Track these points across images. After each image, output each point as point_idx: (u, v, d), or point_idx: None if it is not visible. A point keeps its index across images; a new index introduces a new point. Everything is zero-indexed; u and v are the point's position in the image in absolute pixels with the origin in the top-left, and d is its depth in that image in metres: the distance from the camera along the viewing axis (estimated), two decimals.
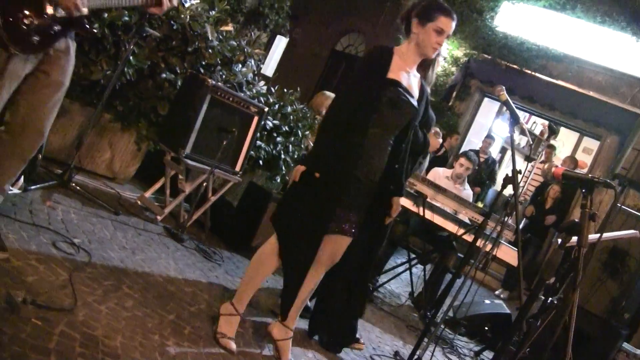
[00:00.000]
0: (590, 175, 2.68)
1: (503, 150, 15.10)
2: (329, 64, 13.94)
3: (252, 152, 6.40)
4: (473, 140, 12.55)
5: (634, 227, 6.15)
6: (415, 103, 3.77)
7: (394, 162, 3.87)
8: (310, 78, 13.76)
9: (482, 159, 11.65)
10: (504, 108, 12.88)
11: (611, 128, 10.89)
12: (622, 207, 6.38)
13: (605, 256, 6.08)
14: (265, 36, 10.06)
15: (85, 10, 3.25)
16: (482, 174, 11.45)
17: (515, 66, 11.66)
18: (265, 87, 6.46)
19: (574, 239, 4.54)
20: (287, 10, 9.92)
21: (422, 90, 3.86)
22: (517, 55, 11.63)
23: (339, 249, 3.88)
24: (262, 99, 6.51)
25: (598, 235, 4.25)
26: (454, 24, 3.66)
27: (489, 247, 6.56)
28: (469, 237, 6.70)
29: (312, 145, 3.75)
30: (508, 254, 6.96)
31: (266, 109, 5.79)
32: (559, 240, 4.53)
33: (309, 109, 7.62)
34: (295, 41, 14.40)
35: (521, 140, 15.35)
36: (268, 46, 15.72)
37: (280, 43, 15.47)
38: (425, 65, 3.86)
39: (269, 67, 15.22)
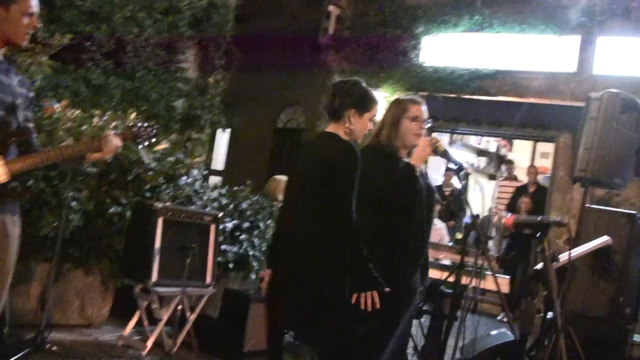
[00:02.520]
0: (539, 218, 2.66)
1: (465, 177, 15.14)
2: (275, 143, 14.00)
3: (219, 259, 6.32)
4: (434, 177, 12.57)
5: (607, 223, 6.16)
6: None
7: None
8: (260, 161, 13.80)
9: (447, 192, 11.69)
10: (454, 136, 13.08)
11: (561, 127, 11.03)
12: (592, 206, 6.38)
13: (589, 259, 6.04)
14: (205, 136, 10.08)
15: (4, 178, 3.15)
16: (451, 206, 11.46)
17: (452, 95, 11.81)
18: (214, 193, 6.42)
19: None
20: (218, 106, 9.98)
21: None
22: (451, 84, 11.81)
23: None
24: (214, 204, 6.47)
25: (567, 255, 4.22)
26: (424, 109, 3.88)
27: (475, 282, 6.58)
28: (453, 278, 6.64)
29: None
30: (499, 282, 6.92)
31: (220, 214, 5.77)
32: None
33: (264, 196, 7.59)
34: (237, 130, 14.45)
35: (480, 162, 15.43)
36: (212, 142, 15.79)
37: (223, 136, 15.54)
38: None
39: (218, 162, 15.25)
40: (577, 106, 10.59)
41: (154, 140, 3.98)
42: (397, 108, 4.06)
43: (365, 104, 3.68)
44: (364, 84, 3.75)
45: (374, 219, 3.88)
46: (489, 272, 6.84)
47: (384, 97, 12.30)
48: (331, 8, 12.80)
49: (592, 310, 6.08)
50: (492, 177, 15.63)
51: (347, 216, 3.42)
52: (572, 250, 4.38)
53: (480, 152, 15.42)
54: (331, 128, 3.69)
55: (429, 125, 4.24)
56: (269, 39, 14.10)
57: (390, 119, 4.04)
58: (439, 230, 7.82)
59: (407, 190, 3.91)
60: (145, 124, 3.93)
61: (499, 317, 10.42)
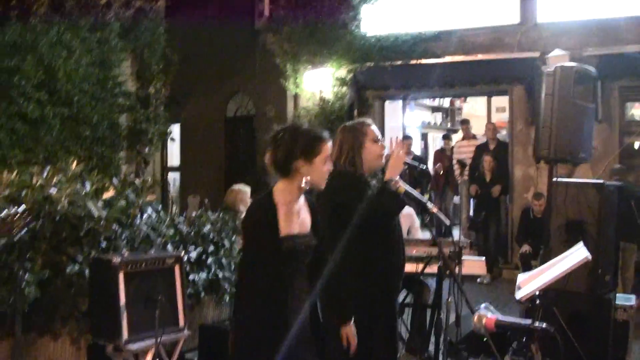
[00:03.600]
0: (524, 322, 2.47)
1: (424, 137, 15.06)
2: (228, 133, 13.70)
3: (189, 290, 6.12)
4: None
5: (575, 195, 6.06)
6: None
7: None
8: (215, 153, 13.54)
9: (406, 161, 11.54)
10: (407, 100, 12.91)
11: (512, 80, 10.91)
12: (559, 180, 6.25)
13: (564, 235, 5.96)
14: (154, 148, 9.76)
15: None
16: (415, 175, 11.32)
17: (399, 62, 11.57)
18: (172, 230, 6.15)
19: (532, 288, 4.43)
20: (163, 115, 9.64)
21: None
22: (396, 51, 11.56)
23: None
24: (176, 237, 6.23)
25: (549, 280, 4.09)
26: (330, 144, 3.46)
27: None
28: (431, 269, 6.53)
29: None
30: (473, 266, 6.85)
31: (182, 254, 5.54)
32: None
33: (225, 209, 7.36)
34: (187, 124, 14.11)
35: (436, 118, 15.35)
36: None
37: (175, 130, 15.17)
38: None
39: (173, 157, 14.93)
40: (525, 58, 10.56)
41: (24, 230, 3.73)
42: (355, 134, 4.06)
43: (312, 148, 3.34)
44: (304, 127, 3.48)
45: (356, 245, 3.89)
46: (465, 258, 6.80)
47: (330, 74, 12.05)
48: None
49: (573, 285, 6.00)
50: (450, 131, 15.58)
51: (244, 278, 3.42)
52: (545, 276, 4.26)
53: (435, 109, 15.35)
54: (280, 184, 3.41)
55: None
56: (205, 29, 13.68)
57: (350, 145, 4.03)
58: (409, 215, 7.64)
59: (386, 213, 3.98)
60: (20, 210, 3.66)
61: (478, 280, 10.41)
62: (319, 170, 3.36)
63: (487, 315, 2.58)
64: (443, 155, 12.93)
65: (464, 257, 6.68)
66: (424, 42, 11.42)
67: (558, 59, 9.24)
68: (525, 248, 9.40)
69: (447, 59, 11.32)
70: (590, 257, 4.21)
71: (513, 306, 7.45)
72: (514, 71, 10.72)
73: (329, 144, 3.41)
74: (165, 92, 9.83)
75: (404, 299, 7.30)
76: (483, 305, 7.10)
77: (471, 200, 11.68)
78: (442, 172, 12.44)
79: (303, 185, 3.33)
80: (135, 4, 9.20)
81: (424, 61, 11.46)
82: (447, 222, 3.85)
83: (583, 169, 9.87)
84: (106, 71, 8.88)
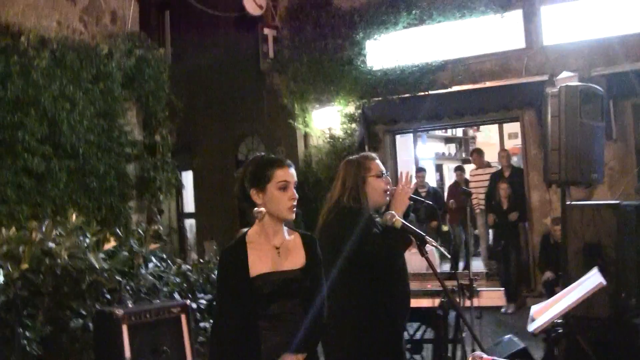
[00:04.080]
0: None
1: (439, 168, 14.91)
2: None
3: (200, 338, 5.97)
4: None
5: (591, 218, 5.85)
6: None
7: None
8: (228, 197, 13.43)
9: (423, 193, 11.39)
10: (418, 133, 12.79)
11: (523, 105, 10.73)
12: (572, 203, 6.05)
13: (582, 259, 5.74)
14: (164, 198, 9.69)
15: None
16: (431, 206, 11.15)
17: (407, 95, 11.47)
18: (178, 279, 6.03)
19: (545, 319, 4.24)
20: (171, 162, 9.57)
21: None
22: (403, 84, 11.45)
23: None
24: (184, 285, 6.10)
25: (563, 309, 3.91)
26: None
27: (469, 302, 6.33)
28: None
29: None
30: (493, 296, 6.63)
31: (188, 302, 5.40)
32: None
33: None
34: (199, 170, 14.10)
35: (450, 149, 15.21)
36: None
37: (187, 177, 15.15)
38: None
39: (188, 204, 14.89)
40: (534, 82, 10.41)
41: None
42: (358, 169, 3.94)
43: (261, 175, 3.19)
44: (258, 155, 3.35)
45: (358, 281, 3.82)
46: (481, 289, 6.60)
47: (337, 111, 11.98)
48: (266, 31, 12.40)
49: (596, 311, 5.78)
50: (464, 161, 15.43)
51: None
52: (559, 305, 4.07)
53: (448, 140, 15.23)
54: (255, 224, 3.30)
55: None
56: (211, 74, 13.75)
57: (353, 180, 3.91)
58: (431, 254, 7.46)
59: (391, 253, 3.85)
60: None
61: (502, 310, 10.14)
62: (275, 198, 3.17)
63: (483, 357, 2.40)
64: (457, 189, 12.67)
65: (482, 289, 6.54)
66: (431, 73, 11.31)
67: (566, 80, 9.08)
68: (548, 275, 9.18)
69: (455, 88, 11.19)
70: (604, 282, 4.01)
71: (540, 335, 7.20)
72: (523, 96, 10.55)
73: (287, 169, 3.22)
74: (172, 139, 9.75)
75: (423, 334, 7.09)
76: (507, 337, 6.87)
77: (490, 230, 11.49)
78: (454, 207, 12.12)
79: (255, 215, 3.19)
80: (138, 52, 9.17)
81: (432, 92, 11.33)
82: (449, 256, 3.70)
83: (601, 191, 9.66)
84: (111, 121, 8.84)
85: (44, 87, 7.99)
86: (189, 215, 14.70)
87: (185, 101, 12.54)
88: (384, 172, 4.01)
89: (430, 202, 3.88)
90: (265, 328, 3.18)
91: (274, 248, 3.25)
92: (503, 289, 6.77)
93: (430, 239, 3.46)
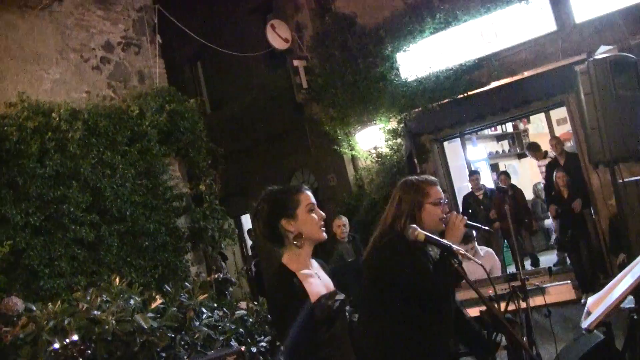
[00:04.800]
0: None
1: (494, 167, 14.51)
2: None
3: None
4: (463, 186, 11.98)
5: None
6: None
7: None
8: None
9: (480, 196, 11.07)
10: (465, 136, 12.49)
11: (565, 89, 10.26)
12: (626, 180, 5.74)
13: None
14: (215, 252, 9.66)
15: None
16: (489, 207, 10.85)
17: (446, 100, 11.24)
18: (230, 325, 5.93)
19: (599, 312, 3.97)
20: (220, 209, 9.56)
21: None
22: (441, 90, 11.20)
23: None
24: (240, 330, 6.00)
25: (618, 298, 3.64)
26: (309, 192, 3.26)
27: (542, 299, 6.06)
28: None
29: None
30: (561, 291, 6.32)
31: (243, 348, 5.29)
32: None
33: None
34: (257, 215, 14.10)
35: (503, 146, 14.81)
36: (240, 231, 15.49)
37: (246, 221, 15.25)
38: None
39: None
40: (572, 62, 10.00)
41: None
42: (416, 193, 3.77)
43: (287, 204, 3.17)
44: (272, 188, 3.28)
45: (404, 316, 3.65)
46: (546, 285, 6.30)
47: (380, 129, 11.83)
48: (296, 63, 12.39)
49: None
50: (520, 156, 15.02)
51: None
52: (614, 295, 3.78)
53: (500, 137, 14.84)
54: (285, 254, 3.20)
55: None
56: (251, 116, 13.84)
57: (409, 206, 3.73)
58: (490, 255, 7.23)
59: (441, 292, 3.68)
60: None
61: (582, 301, 9.68)
62: (307, 222, 3.17)
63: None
64: (503, 196, 11.85)
65: (547, 285, 6.25)
66: (467, 74, 11.05)
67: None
68: (622, 257, 8.72)
69: (494, 84, 10.89)
70: None
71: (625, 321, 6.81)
72: (564, 79, 10.10)
73: (308, 193, 3.23)
74: (218, 186, 9.75)
75: (495, 338, 6.79)
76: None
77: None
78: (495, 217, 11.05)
79: (294, 243, 3.14)
80: (169, 107, 9.23)
81: (471, 93, 11.06)
82: (479, 262, 3.47)
83: None
84: (154, 179, 8.89)
85: (81, 158, 8.09)
86: (251, 258, 14.74)
87: (231, 146, 12.67)
88: (443, 199, 3.81)
89: (487, 228, 3.64)
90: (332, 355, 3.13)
91: (315, 273, 3.23)
92: (569, 281, 6.39)
93: (456, 248, 3.28)
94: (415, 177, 3.90)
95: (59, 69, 8.86)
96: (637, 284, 3.72)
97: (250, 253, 15.76)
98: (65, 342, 4.87)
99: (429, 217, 3.73)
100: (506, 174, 11.28)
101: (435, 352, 3.68)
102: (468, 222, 3.75)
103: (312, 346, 3.09)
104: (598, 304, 4.00)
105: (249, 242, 15.66)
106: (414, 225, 3.41)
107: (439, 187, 3.82)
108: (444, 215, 3.75)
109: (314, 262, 3.32)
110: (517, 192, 11.01)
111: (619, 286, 3.93)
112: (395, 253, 3.64)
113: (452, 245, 3.29)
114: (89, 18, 9.35)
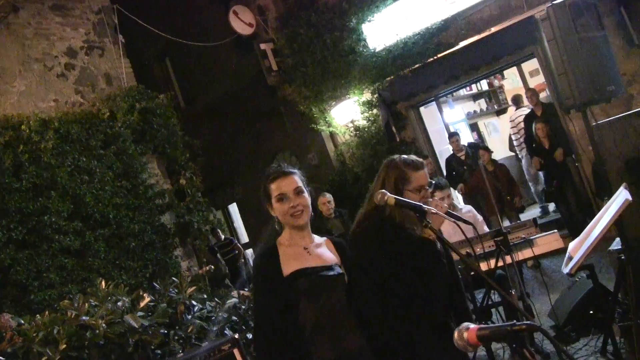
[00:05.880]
0: (503, 327, 2.06)
1: (473, 127, 14.46)
2: None
3: None
4: (445, 149, 11.96)
5: (624, 132, 5.51)
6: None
7: None
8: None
9: (462, 157, 11.05)
10: (441, 100, 12.46)
11: (533, 40, 10.24)
12: (599, 122, 5.71)
13: (628, 177, 5.36)
14: (203, 246, 9.63)
15: None
16: (472, 166, 10.81)
17: (417, 65, 11.18)
18: (223, 314, 5.90)
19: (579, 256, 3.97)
20: (203, 201, 9.51)
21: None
22: (410, 56, 11.15)
23: None
24: (233, 317, 5.97)
25: (595, 239, 3.63)
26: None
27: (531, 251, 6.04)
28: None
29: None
30: (549, 241, 6.33)
31: (237, 336, 5.25)
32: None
33: None
34: (242, 200, 14.09)
35: (481, 105, 14.77)
36: (228, 220, 15.44)
37: (233, 211, 15.20)
38: None
39: (242, 235, 14.91)
40: (537, 13, 9.95)
41: None
42: (398, 178, 3.63)
43: (265, 193, 3.42)
44: (266, 172, 3.49)
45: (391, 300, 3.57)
46: (534, 237, 6.30)
47: (355, 102, 11.77)
48: (263, 46, 12.29)
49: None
50: (499, 112, 14.98)
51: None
52: (592, 237, 3.78)
53: (476, 97, 14.78)
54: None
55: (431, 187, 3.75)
56: (227, 106, 13.74)
57: (391, 188, 3.57)
58: (465, 209, 7.22)
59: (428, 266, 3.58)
60: None
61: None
62: (277, 211, 3.37)
63: (470, 328, 2.16)
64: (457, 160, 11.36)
65: (534, 237, 6.25)
66: (434, 36, 10.99)
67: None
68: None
69: (462, 44, 10.84)
70: (630, 198, 3.72)
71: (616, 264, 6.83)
72: (531, 31, 10.08)
73: (281, 180, 3.36)
74: (199, 179, 9.69)
75: (486, 301, 6.79)
76: (580, 277, 6.43)
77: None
78: (463, 192, 10.97)
79: (277, 225, 3.43)
80: (139, 105, 9.15)
81: (440, 55, 11.01)
82: (457, 221, 3.43)
83: (638, 103, 9.17)
84: (133, 179, 8.84)
85: (57, 167, 8.02)
86: (246, 246, 14.71)
87: (210, 138, 12.58)
88: (426, 185, 3.65)
89: (468, 221, 3.52)
90: (316, 333, 3.24)
91: (303, 248, 3.38)
92: (556, 231, 6.40)
93: (427, 207, 3.24)
94: (402, 158, 3.72)
95: (23, 80, 8.76)
96: (612, 224, 3.71)
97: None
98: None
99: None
100: (487, 150, 10.98)
101: (430, 321, 3.63)
102: (449, 211, 3.63)
103: (294, 324, 3.21)
104: (578, 248, 3.99)
105: (242, 234, 15.53)
106: (383, 190, 3.36)
107: (423, 171, 3.67)
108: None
109: (316, 238, 3.48)
110: (499, 169, 10.59)
111: (596, 228, 3.92)
112: (367, 246, 3.63)
113: (423, 206, 3.25)
114: (48, 26, 9.23)
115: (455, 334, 2.17)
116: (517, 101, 12.51)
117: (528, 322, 2.14)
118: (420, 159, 3.74)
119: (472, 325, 2.15)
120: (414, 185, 3.60)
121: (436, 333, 3.55)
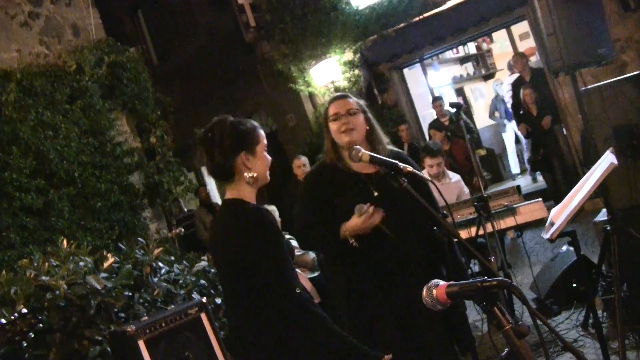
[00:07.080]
0: (473, 283, 1.83)
1: (459, 92, 14.12)
2: None
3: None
4: (428, 114, 11.65)
5: (613, 98, 5.26)
6: None
7: None
8: None
9: (445, 122, 10.77)
10: (426, 62, 12.14)
11: (524, 2, 9.92)
12: (588, 87, 5.43)
13: (616, 144, 5.12)
14: (174, 206, 9.32)
15: None
16: (457, 131, 10.51)
17: (402, 25, 10.83)
18: (191, 277, 5.64)
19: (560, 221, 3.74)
20: (175, 161, 9.17)
21: None
22: (395, 15, 10.80)
23: None
24: (201, 281, 5.72)
25: (578, 204, 3.41)
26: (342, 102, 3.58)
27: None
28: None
29: None
30: (532, 210, 6.08)
31: (204, 299, 5.00)
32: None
33: None
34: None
35: (468, 69, 14.43)
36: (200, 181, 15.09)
37: (206, 173, 14.82)
38: None
39: (215, 196, 14.61)
40: None
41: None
42: (323, 115, 3.69)
43: (251, 138, 2.97)
44: (230, 118, 3.02)
45: None
46: (517, 206, 6.06)
47: (335, 61, 11.44)
48: (241, 1, 11.85)
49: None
50: (486, 77, 14.68)
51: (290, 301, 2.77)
52: (575, 201, 3.55)
53: (463, 60, 14.44)
54: (230, 192, 2.99)
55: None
56: (201, 63, 13.31)
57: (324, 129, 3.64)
58: (452, 180, 6.97)
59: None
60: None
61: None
62: (262, 161, 3.00)
63: (439, 285, 1.95)
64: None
65: (517, 205, 6.01)
66: None
67: None
68: None
69: (450, 3, 10.46)
70: (615, 162, 3.49)
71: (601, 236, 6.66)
72: None
73: (338, 102, 3.55)
74: (169, 138, 9.35)
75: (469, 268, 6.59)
76: (564, 248, 6.23)
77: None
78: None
79: (248, 181, 2.93)
80: (108, 59, 8.74)
81: (426, 15, 10.65)
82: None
83: (631, 69, 8.91)
84: (100, 136, 8.50)
85: (19, 121, 7.66)
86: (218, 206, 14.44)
87: (184, 96, 12.17)
88: (342, 112, 3.53)
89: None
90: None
91: None
92: (540, 199, 6.17)
93: (403, 165, 3.00)
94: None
95: None
96: (599, 183, 3.49)
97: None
98: (13, 317, 4.55)
99: (333, 133, 3.58)
100: (438, 129, 10.40)
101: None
102: (370, 155, 3.37)
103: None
104: (560, 214, 3.78)
105: (215, 196, 15.22)
106: (358, 147, 3.15)
107: (338, 102, 3.60)
108: (343, 128, 3.52)
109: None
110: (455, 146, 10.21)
111: (579, 192, 3.71)
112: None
113: (399, 164, 3.02)
114: None
115: (424, 291, 1.97)
116: (512, 66, 12.21)
117: (499, 278, 1.98)
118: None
119: (441, 282, 1.95)
120: (330, 116, 3.54)
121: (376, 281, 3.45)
